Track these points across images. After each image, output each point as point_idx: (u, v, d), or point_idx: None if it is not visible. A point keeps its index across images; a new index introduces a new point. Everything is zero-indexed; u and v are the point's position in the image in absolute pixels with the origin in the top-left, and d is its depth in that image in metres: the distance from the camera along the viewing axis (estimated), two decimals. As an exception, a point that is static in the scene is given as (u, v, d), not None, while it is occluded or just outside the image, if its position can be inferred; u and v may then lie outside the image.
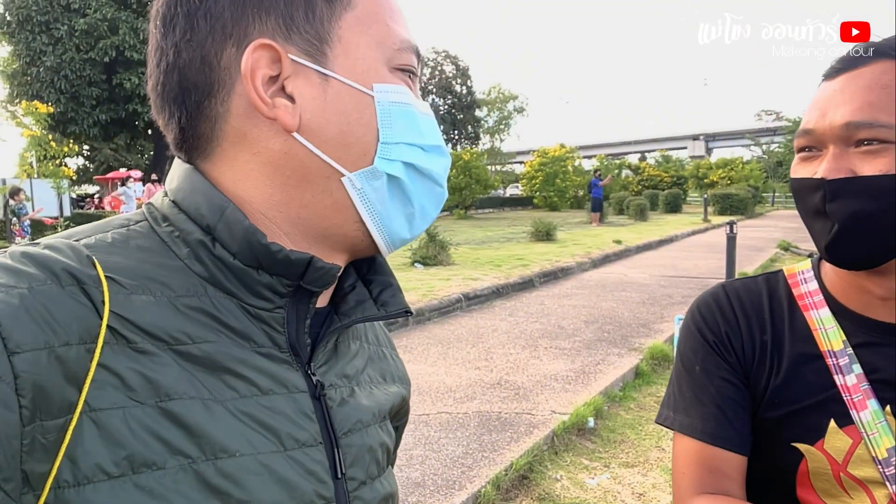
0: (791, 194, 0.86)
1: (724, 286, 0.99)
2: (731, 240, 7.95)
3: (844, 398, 0.83)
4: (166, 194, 0.61)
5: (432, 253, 11.19)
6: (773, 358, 0.90)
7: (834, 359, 0.85)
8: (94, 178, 32.64)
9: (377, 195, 0.60)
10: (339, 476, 0.60)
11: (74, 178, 22.62)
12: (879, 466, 0.80)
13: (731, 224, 8.12)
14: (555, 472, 3.77)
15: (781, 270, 0.97)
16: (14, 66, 22.30)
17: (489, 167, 39.69)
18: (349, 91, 0.58)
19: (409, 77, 0.63)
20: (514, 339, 6.66)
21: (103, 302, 0.50)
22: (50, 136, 16.96)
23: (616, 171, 35.29)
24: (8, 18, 22.50)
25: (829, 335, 0.86)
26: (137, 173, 25.27)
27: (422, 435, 4.23)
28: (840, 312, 0.87)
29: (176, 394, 0.51)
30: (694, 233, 19.65)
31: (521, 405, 4.72)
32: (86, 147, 31.20)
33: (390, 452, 0.70)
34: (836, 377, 0.84)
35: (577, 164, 35.34)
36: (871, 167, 0.75)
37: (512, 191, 48.02)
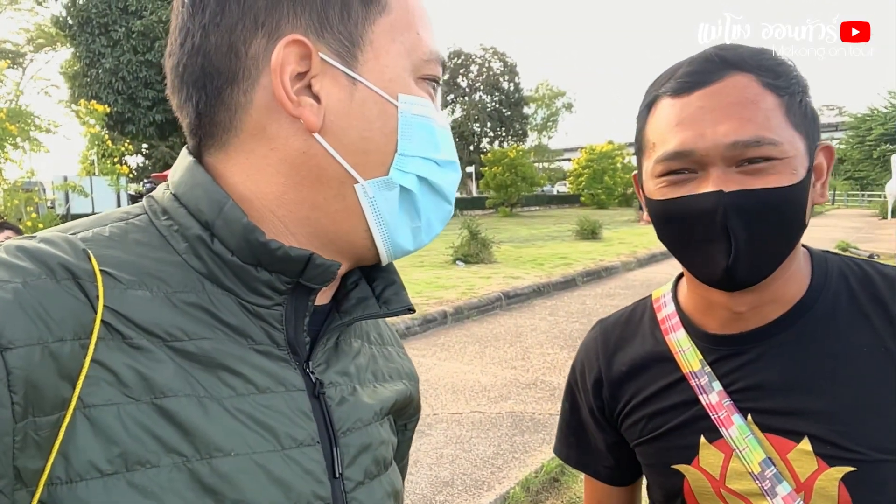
0: (667, 219, 0.80)
1: (598, 326, 1.04)
2: (783, 239, 7.68)
3: (711, 416, 0.83)
4: (168, 187, 0.60)
5: (474, 251, 11.16)
6: (641, 388, 0.92)
7: (696, 379, 0.85)
8: (152, 174, 33.81)
9: (388, 206, 0.59)
10: (337, 476, 0.59)
11: (132, 175, 23.44)
12: (756, 480, 0.79)
13: (782, 223, 7.84)
14: (587, 475, 3.70)
15: (650, 295, 0.98)
16: (75, 68, 23.24)
17: (536, 164, 39.43)
18: (375, 98, 0.57)
19: (433, 87, 0.63)
20: (552, 339, 6.57)
21: (98, 297, 0.49)
22: (106, 136, 17.61)
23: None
24: (69, 21, 23.46)
25: (688, 356, 0.87)
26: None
27: (453, 434, 4.21)
28: (695, 333, 0.88)
29: (171, 391, 0.50)
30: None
31: (556, 406, 4.64)
32: (144, 146, 32.32)
33: (393, 450, 0.69)
34: (700, 396, 0.85)
35: (626, 160, 34.76)
36: (760, 183, 0.73)
37: (559, 188, 47.57)
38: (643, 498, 1.06)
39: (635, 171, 0.89)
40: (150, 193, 0.62)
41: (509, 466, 3.71)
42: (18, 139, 10.85)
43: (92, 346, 0.48)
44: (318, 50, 0.55)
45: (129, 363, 0.49)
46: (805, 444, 0.78)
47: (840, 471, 0.76)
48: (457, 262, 10.96)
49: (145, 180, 21.41)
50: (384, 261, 0.63)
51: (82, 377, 0.47)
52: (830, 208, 36.53)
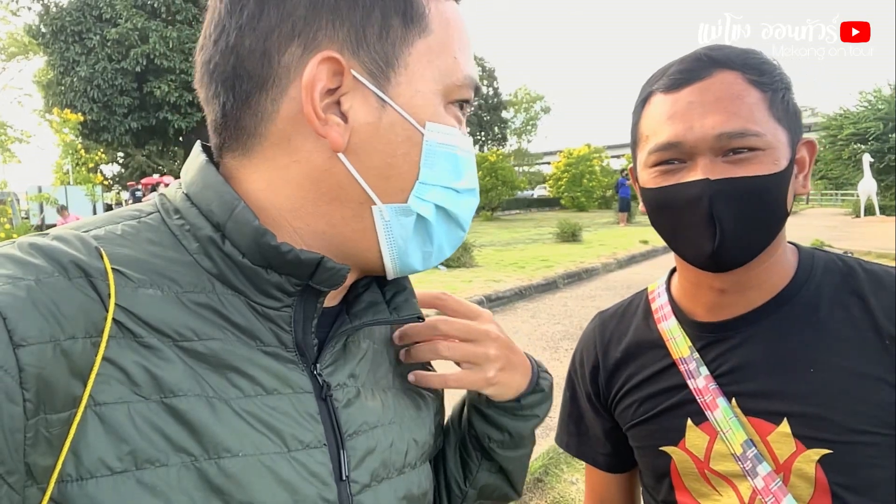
0: (659, 206, 0.86)
1: (597, 317, 1.09)
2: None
3: (697, 399, 0.88)
4: (180, 186, 0.60)
5: (455, 255, 11.17)
6: (634, 373, 0.97)
7: (685, 364, 0.91)
8: (128, 183, 33.40)
9: (402, 231, 0.59)
10: (343, 478, 0.59)
11: (107, 184, 23.13)
12: (738, 461, 0.84)
13: (758, 222, 7.95)
14: (570, 475, 3.71)
15: (646, 287, 1.04)
16: (49, 77, 22.92)
17: (516, 168, 39.59)
18: (403, 123, 0.56)
19: (462, 109, 0.62)
20: (535, 341, 6.59)
21: (109, 295, 0.49)
22: (79, 145, 17.38)
23: (645, 171, 34.73)
24: (43, 30, 23.14)
25: (678, 343, 0.92)
26: (170, 179, 25.75)
27: (437, 437, 4.20)
28: (684, 321, 0.94)
29: (181, 390, 0.50)
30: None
31: (539, 407, 4.66)
32: (120, 154, 31.93)
33: (412, 452, 0.68)
34: (688, 381, 0.90)
35: (604, 163, 35.03)
36: (744, 172, 0.78)
37: (540, 192, 47.79)
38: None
39: (631, 165, 0.94)
40: (162, 192, 0.61)
41: (493, 468, 3.71)
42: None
43: (103, 345, 0.48)
44: (352, 67, 0.54)
45: (140, 362, 0.49)
46: (784, 427, 0.82)
47: (817, 453, 0.81)
48: (439, 266, 10.95)
49: (132, 188, 21.10)
50: (390, 277, 0.63)
51: (93, 375, 0.47)
52: (805, 207, 37.09)
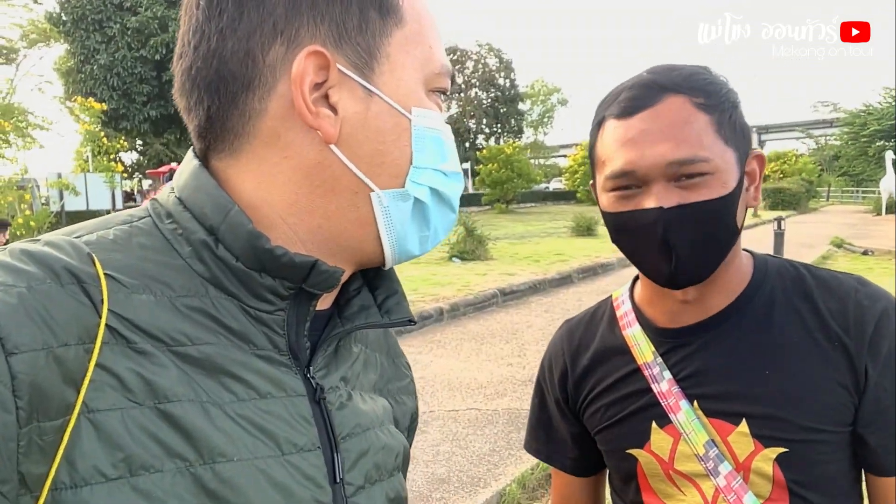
0: (617, 229, 0.90)
1: (564, 325, 1.12)
2: (779, 236, 7.70)
3: (661, 403, 0.92)
4: (173, 190, 0.60)
5: (470, 248, 11.16)
6: (601, 379, 1.00)
7: (649, 369, 0.94)
8: (147, 171, 33.69)
9: (400, 216, 0.60)
10: (337, 481, 0.59)
11: (126, 174, 23.30)
12: (701, 461, 0.89)
13: (778, 220, 7.88)
14: (583, 472, 3.71)
15: (611, 295, 1.08)
16: (69, 64, 23.15)
17: (532, 161, 39.42)
18: (390, 111, 0.57)
19: (440, 98, 0.64)
20: (548, 336, 6.54)
21: (102, 301, 0.49)
22: (101, 133, 17.51)
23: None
24: (63, 18, 23.33)
25: (642, 348, 0.96)
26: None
27: (450, 431, 4.22)
28: (647, 327, 0.97)
29: (174, 396, 0.50)
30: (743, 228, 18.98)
31: (553, 403, 4.65)
32: (138, 142, 32.20)
33: (398, 456, 0.69)
34: (652, 385, 0.93)
35: (621, 157, 34.72)
36: (695, 196, 0.82)
37: (556, 185, 47.59)
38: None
39: (592, 181, 0.97)
40: (155, 196, 0.61)
41: (505, 463, 3.71)
42: (12, 136, 10.80)
43: (96, 351, 0.47)
44: (336, 61, 0.55)
45: (133, 368, 0.49)
46: (743, 427, 0.87)
47: (774, 451, 0.86)
48: (453, 258, 10.95)
49: (144, 179, 21.28)
50: (388, 265, 0.63)
51: (87, 382, 0.46)
52: (825, 204, 36.57)
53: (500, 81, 41.98)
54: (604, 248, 12.84)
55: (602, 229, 16.11)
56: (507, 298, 8.37)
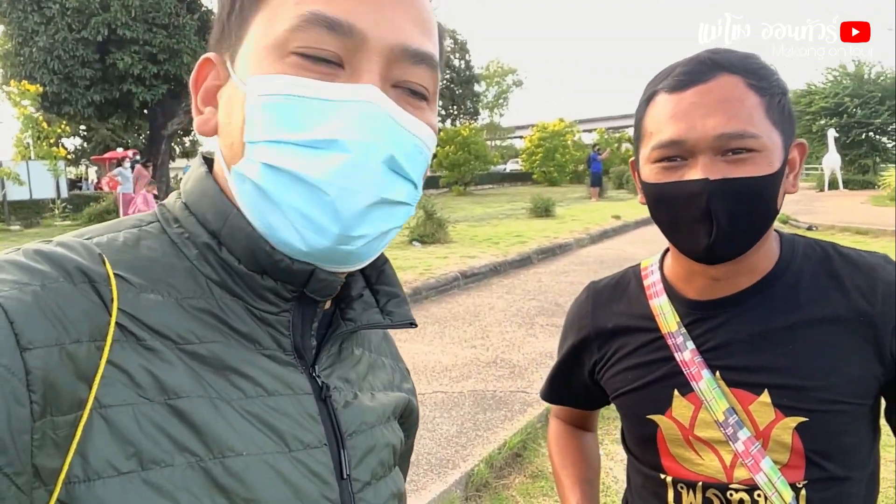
0: (659, 200, 0.91)
1: (590, 287, 1.17)
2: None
3: (684, 371, 0.95)
4: (179, 195, 0.62)
5: (430, 231, 11.15)
6: (623, 344, 1.04)
7: (672, 339, 0.97)
8: (91, 158, 32.49)
9: (248, 200, 0.56)
10: (344, 477, 0.60)
11: (70, 158, 22.46)
12: (720, 428, 0.91)
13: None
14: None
15: (639, 264, 1.11)
16: (6, 47, 22.05)
17: (489, 142, 39.47)
18: (234, 86, 0.57)
19: (316, 61, 0.53)
20: (510, 318, 6.66)
21: (112, 300, 0.50)
22: (40, 117, 16.82)
23: (616, 145, 34.96)
24: (-2, -2, 22.17)
25: (667, 318, 0.99)
26: (135, 152, 25.13)
27: (416, 414, 4.24)
28: (675, 298, 1.00)
29: (184, 392, 0.51)
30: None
31: (517, 383, 4.73)
32: (82, 127, 31.02)
33: (397, 453, 0.71)
34: (675, 354, 0.96)
35: (576, 138, 35.09)
36: (741, 172, 0.83)
37: (512, 166, 47.78)
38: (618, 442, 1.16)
39: (633, 158, 0.99)
40: (163, 202, 0.63)
41: (473, 444, 3.77)
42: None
43: (107, 348, 0.49)
44: (226, 59, 0.59)
45: (143, 364, 0.50)
46: (765, 397, 0.90)
47: (794, 420, 0.89)
48: (413, 242, 10.94)
49: (90, 167, 20.50)
50: (295, 258, 0.56)
51: (98, 378, 0.48)
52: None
53: (455, 63, 41.75)
54: (561, 228, 13.02)
55: (559, 210, 16.34)
56: (468, 281, 8.42)
